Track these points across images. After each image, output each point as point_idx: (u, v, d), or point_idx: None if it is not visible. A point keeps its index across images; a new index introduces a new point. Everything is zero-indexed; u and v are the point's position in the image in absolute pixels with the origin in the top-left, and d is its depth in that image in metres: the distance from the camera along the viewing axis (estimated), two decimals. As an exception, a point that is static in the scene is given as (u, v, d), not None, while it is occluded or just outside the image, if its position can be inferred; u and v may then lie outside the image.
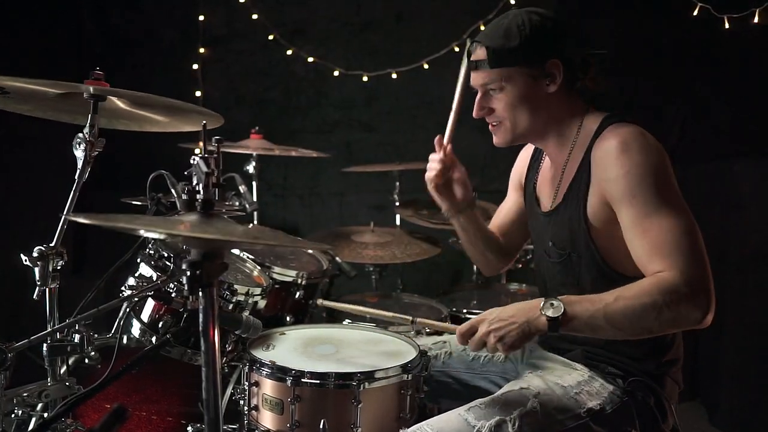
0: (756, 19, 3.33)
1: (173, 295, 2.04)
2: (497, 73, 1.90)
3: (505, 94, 1.91)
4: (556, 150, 2.01)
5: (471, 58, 1.96)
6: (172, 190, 2.00)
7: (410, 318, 2.05)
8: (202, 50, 4.56)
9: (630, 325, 1.68)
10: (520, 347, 1.76)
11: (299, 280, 2.62)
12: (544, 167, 2.12)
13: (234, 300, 2.16)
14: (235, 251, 2.55)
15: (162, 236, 1.34)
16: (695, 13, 3.46)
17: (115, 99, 2.00)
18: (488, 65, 1.90)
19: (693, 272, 1.66)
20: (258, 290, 2.24)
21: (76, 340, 1.88)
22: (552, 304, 1.70)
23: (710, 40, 3.75)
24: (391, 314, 2.12)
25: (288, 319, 2.59)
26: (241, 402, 2.00)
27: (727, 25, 3.41)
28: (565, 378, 1.90)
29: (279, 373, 1.87)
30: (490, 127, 2.01)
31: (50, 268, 1.82)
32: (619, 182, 1.76)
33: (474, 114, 1.99)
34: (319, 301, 2.30)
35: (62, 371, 1.89)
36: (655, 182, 1.73)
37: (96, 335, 1.94)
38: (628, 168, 1.75)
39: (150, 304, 2.10)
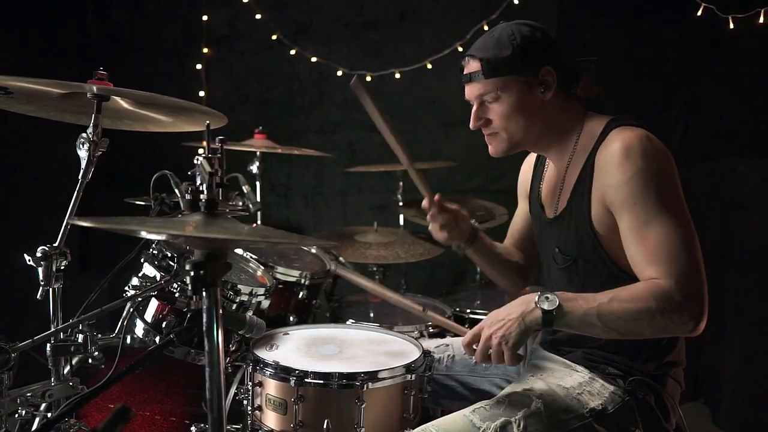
0: (761, 19, 3.31)
1: (177, 295, 2.05)
2: (492, 84, 1.91)
3: (501, 103, 1.92)
4: (557, 156, 2.02)
5: (464, 72, 1.97)
6: (176, 190, 2.00)
7: (421, 307, 2.05)
8: (205, 50, 4.57)
9: (623, 326, 1.70)
10: (522, 344, 1.76)
11: (303, 280, 2.62)
12: (548, 174, 2.12)
13: (237, 300, 2.16)
14: (239, 251, 2.55)
15: (165, 237, 1.34)
16: (699, 13, 3.45)
17: (118, 99, 2.00)
18: (483, 76, 1.91)
19: (688, 282, 1.68)
20: (261, 290, 2.24)
21: (79, 340, 1.88)
22: (547, 298, 1.72)
23: (714, 40, 3.74)
24: (403, 300, 2.12)
25: (291, 319, 2.59)
26: (245, 402, 2.00)
27: (731, 26, 3.40)
28: (566, 379, 1.90)
29: (282, 373, 1.87)
30: (486, 137, 2.02)
31: (54, 268, 1.82)
32: (621, 189, 1.76)
33: (471, 126, 2.00)
34: (332, 267, 2.26)
35: (66, 371, 1.89)
36: (656, 189, 1.73)
37: (99, 335, 1.95)
38: (631, 174, 1.75)
39: (153, 304, 2.10)
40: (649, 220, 1.72)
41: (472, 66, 1.95)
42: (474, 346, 1.82)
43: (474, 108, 1.98)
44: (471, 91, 1.97)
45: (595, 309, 1.69)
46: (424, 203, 2.16)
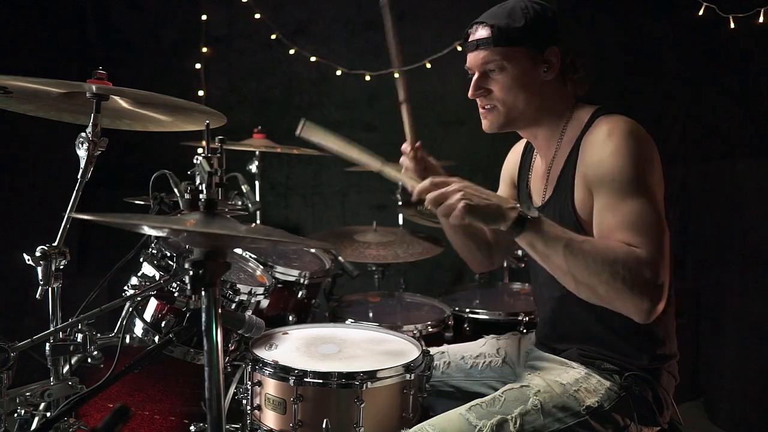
0: (761, 19, 3.31)
1: (176, 294, 2.04)
2: (500, 53, 1.89)
3: (504, 75, 1.91)
4: (545, 142, 2.02)
5: (470, 39, 1.95)
6: (175, 190, 2.00)
7: (379, 162, 1.96)
8: (204, 50, 4.57)
9: (583, 270, 1.64)
10: (473, 220, 1.67)
11: (302, 280, 2.62)
12: (535, 164, 2.13)
13: (237, 299, 2.16)
14: (238, 251, 2.55)
15: (164, 233, 1.34)
16: (700, 12, 3.45)
17: (117, 98, 2.00)
18: (492, 44, 1.89)
19: (657, 262, 1.64)
20: (261, 290, 2.24)
21: (78, 340, 1.88)
22: (529, 207, 1.69)
23: (713, 39, 3.74)
24: (359, 154, 2.04)
25: (290, 318, 2.59)
26: (244, 401, 2.00)
27: (732, 25, 3.40)
28: (563, 376, 1.90)
29: (282, 372, 1.87)
30: (481, 111, 1.99)
31: (53, 268, 1.82)
32: (601, 165, 1.76)
33: (470, 94, 1.97)
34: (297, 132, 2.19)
35: (65, 371, 1.89)
36: (636, 167, 1.72)
37: (99, 335, 1.94)
38: (612, 150, 1.74)
39: (153, 303, 2.10)
40: (625, 197, 1.70)
41: (480, 33, 1.92)
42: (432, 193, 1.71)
43: (475, 77, 1.95)
44: (475, 59, 1.94)
45: (564, 239, 1.65)
46: (404, 146, 2.12)
